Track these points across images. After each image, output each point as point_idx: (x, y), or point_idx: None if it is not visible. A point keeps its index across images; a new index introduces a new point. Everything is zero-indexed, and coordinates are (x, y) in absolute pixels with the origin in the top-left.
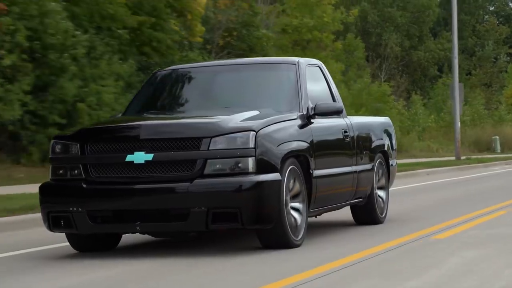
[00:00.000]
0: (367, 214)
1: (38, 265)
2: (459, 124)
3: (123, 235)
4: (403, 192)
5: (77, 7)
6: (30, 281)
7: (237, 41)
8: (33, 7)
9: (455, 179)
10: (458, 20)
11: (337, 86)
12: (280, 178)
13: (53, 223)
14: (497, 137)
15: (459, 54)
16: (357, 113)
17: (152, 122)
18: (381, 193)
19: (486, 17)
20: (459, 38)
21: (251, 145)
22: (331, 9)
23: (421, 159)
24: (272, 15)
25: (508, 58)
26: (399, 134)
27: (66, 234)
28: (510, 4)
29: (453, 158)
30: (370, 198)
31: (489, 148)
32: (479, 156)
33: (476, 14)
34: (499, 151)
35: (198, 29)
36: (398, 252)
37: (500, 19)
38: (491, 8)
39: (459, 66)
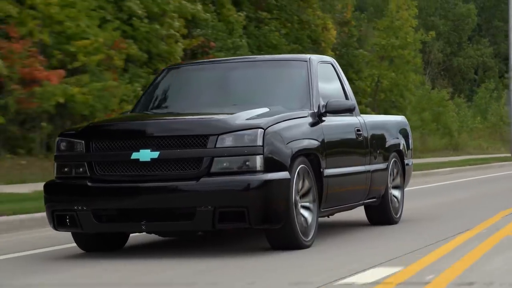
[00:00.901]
0: (381, 214)
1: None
2: None
3: (130, 234)
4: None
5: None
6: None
7: (339, 58)
8: None
9: None
10: (495, 27)
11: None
12: (289, 176)
13: (58, 222)
14: None
15: (498, 59)
16: (419, 115)
17: (158, 119)
18: (396, 193)
19: None
20: (495, 43)
21: (259, 143)
22: (412, 31)
23: (480, 156)
24: (366, 36)
25: None
26: (458, 134)
27: (72, 233)
28: None
29: (507, 155)
30: (384, 198)
31: None
32: None
33: None
34: None
35: (329, 54)
36: None
37: None
38: None
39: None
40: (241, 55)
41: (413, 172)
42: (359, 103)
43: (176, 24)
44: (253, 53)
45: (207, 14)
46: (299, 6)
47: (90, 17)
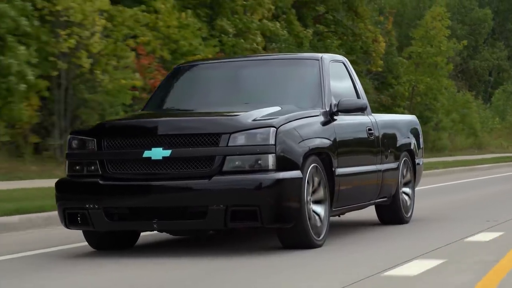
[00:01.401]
0: (392, 213)
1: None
2: None
3: (141, 233)
4: None
5: None
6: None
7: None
8: None
9: None
10: (508, 30)
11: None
12: (301, 176)
13: (69, 220)
14: None
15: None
16: (447, 117)
17: (170, 118)
18: (406, 192)
19: None
20: (508, 46)
21: (272, 141)
22: (446, 40)
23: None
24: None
25: None
26: (481, 134)
27: (83, 232)
28: None
29: None
30: (395, 198)
31: None
32: None
33: None
34: None
35: (379, 63)
36: None
37: None
38: None
39: None
40: None
41: (460, 168)
42: (398, 106)
43: (258, 39)
44: None
45: (284, 31)
46: (353, 20)
47: (196, 36)
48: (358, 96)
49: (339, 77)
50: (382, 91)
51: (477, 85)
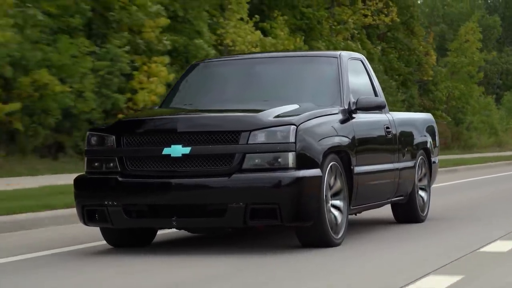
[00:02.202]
0: (408, 212)
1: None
2: None
3: (159, 230)
4: None
5: None
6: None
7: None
8: None
9: None
10: None
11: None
12: (320, 174)
13: (88, 217)
14: None
15: None
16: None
17: (190, 115)
18: (422, 191)
19: None
20: None
21: (292, 139)
22: (478, 51)
23: None
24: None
25: None
26: (501, 133)
27: (101, 229)
28: None
29: None
30: (412, 196)
31: None
32: None
33: None
34: None
35: (430, 73)
36: None
37: None
38: None
39: None
40: (377, 77)
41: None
42: (436, 109)
43: None
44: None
45: (364, 50)
46: (409, 37)
47: None
48: (375, 93)
49: (357, 74)
50: (424, 96)
51: (487, 88)
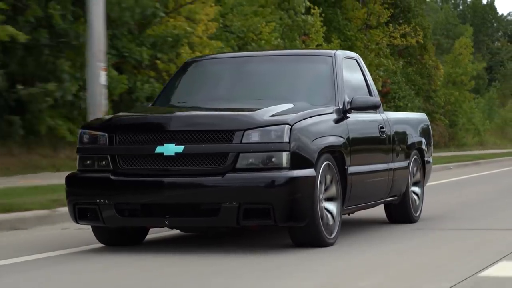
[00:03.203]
0: (401, 212)
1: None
2: None
3: (150, 229)
4: None
5: None
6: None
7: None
8: None
9: None
10: (481, 41)
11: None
12: (314, 174)
13: (79, 215)
14: None
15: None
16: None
17: (183, 113)
18: (416, 191)
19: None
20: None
21: (286, 139)
22: (470, 63)
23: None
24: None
25: None
26: (483, 133)
27: (92, 227)
28: None
29: None
30: (405, 196)
31: None
32: None
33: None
34: None
35: (438, 83)
36: None
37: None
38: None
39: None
40: (399, 88)
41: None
42: (435, 113)
43: None
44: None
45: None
46: (421, 53)
47: None
48: (370, 93)
49: (352, 73)
50: (426, 102)
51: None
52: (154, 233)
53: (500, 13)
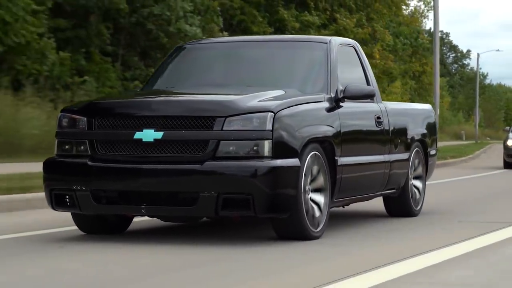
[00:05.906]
0: (401, 206)
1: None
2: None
3: (134, 218)
4: None
5: None
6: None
7: None
8: None
9: None
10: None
11: None
12: (299, 164)
13: (56, 202)
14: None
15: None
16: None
17: (163, 98)
18: (417, 184)
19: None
20: None
21: (269, 127)
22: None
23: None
24: None
25: None
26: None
27: (72, 214)
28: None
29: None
30: (405, 190)
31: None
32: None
33: None
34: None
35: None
36: None
37: None
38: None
39: None
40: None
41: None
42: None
43: None
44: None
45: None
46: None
47: None
48: (368, 82)
49: (349, 62)
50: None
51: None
52: (142, 222)
53: None
